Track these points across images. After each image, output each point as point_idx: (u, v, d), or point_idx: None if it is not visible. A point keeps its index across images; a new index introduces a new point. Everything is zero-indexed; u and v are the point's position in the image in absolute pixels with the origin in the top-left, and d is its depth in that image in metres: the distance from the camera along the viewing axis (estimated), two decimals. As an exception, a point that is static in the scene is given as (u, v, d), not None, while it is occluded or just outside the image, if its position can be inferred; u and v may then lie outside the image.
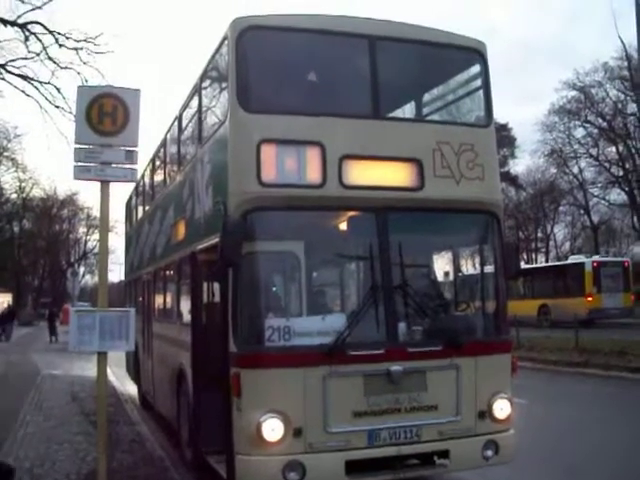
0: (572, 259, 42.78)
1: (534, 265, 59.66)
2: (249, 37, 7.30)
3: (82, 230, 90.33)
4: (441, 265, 8.72)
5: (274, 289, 7.91)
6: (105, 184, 7.60)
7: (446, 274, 8.67)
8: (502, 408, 7.59)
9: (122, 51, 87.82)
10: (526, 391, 11.80)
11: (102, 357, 7.47)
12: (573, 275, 38.06)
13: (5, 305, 48.20)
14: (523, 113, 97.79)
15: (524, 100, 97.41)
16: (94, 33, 29.91)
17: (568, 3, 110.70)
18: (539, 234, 75.62)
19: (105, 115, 7.57)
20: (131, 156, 7.67)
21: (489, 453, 7.47)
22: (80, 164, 7.56)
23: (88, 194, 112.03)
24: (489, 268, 8.12)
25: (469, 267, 9.06)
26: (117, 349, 7.69)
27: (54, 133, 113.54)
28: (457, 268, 8.68)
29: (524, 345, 24.31)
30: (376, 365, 7.01)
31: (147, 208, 14.88)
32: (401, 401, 7.10)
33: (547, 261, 67.88)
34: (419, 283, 7.80)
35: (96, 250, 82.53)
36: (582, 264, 38.13)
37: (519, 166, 72.80)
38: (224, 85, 7.82)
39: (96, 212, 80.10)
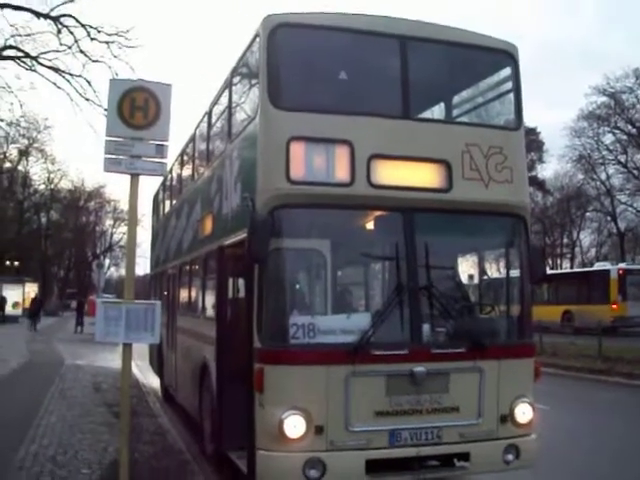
0: (598, 266, 42.51)
1: (559, 271, 59.28)
2: (280, 35, 7.32)
3: (108, 223, 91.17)
4: (467, 267, 8.70)
5: (300, 286, 7.93)
6: (135, 177, 7.64)
7: (471, 276, 8.65)
8: (524, 412, 7.56)
9: (152, 45, 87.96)
10: (548, 397, 11.71)
11: (127, 348, 7.53)
12: (598, 282, 37.69)
13: (32, 296, 48.50)
14: (552, 118, 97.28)
15: (553, 105, 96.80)
16: (125, 27, 30.05)
17: (598, 8, 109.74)
18: (565, 240, 75.15)
19: (136, 109, 7.59)
20: (161, 150, 7.70)
21: (510, 457, 7.44)
22: (111, 156, 7.60)
23: (115, 187, 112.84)
24: (515, 272, 8.07)
25: (495, 270, 9.01)
26: (142, 341, 7.72)
27: (84, 126, 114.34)
28: (483, 271, 8.65)
29: (547, 351, 24.19)
30: (399, 365, 7.01)
31: (174, 202, 14.97)
32: (423, 402, 7.10)
33: (572, 267, 67.38)
34: (444, 284, 7.77)
35: (122, 243, 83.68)
36: (608, 271, 37.84)
37: (547, 171, 72.67)
38: (255, 82, 7.84)
39: (123, 205, 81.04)
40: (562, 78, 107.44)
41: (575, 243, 73.96)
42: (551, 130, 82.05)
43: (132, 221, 7.82)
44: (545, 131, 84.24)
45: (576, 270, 54.29)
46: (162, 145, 7.69)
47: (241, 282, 7.88)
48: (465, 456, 7.33)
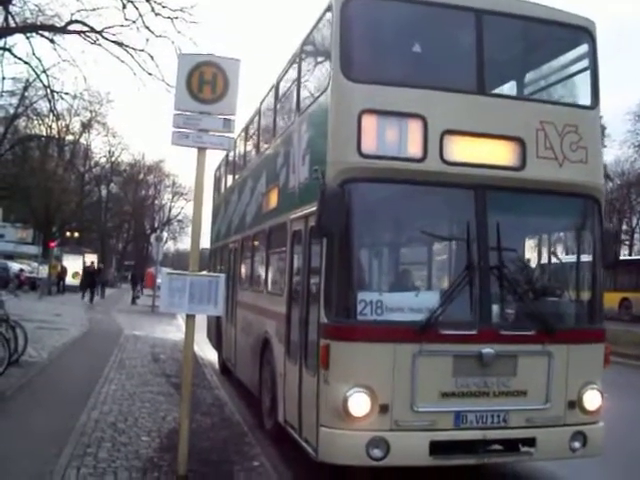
0: (658, 254, 41.64)
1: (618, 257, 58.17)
2: (353, 6, 7.23)
3: (167, 197, 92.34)
4: (538, 248, 8.52)
5: (368, 262, 7.82)
6: (202, 151, 7.61)
7: (542, 258, 8.46)
8: (592, 399, 7.40)
9: (215, 21, 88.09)
10: (605, 384, 11.47)
11: (190, 320, 7.52)
12: (657, 271, 36.90)
13: (95, 266, 49.01)
14: (615, 101, 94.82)
15: (616, 88, 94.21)
16: (189, 3, 30.18)
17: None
18: (624, 227, 73.63)
19: (205, 83, 7.56)
20: (228, 124, 7.65)
21: (576, 445, 7.29)
22: (179, 130, 7.59)
23: (174, 162, 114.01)
24: (587, 255, 7.90)
25: (566, 252, 8.78)
26: (206, 313, 7.78)
27: (146, 101, 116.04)
28: (554, 252, 8.45)
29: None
30: (467, 346, 6.89)
31: (236, 177, 14.94)
32: (490, 384, 6.98)
33: (630, 254, 66.06)
34: (515, 265, 7.60)
35: (180, 217, 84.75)
36: (668, 260, 37.00)
37: (607, 156, 70.57)
38: (326, 54, 7.75)
39: (181, 180, 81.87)
40: (628, 61, 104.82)
41: (634, 230, 72.37)
42: (613, 114, 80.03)
43: (199, 194, 7.77)
44: (607, 115, 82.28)
45: (635, 257, 53.17)
46: (229, 119, 7.63)
47: (308, 256, 7.77)
48: (531, 441, 7.18)
